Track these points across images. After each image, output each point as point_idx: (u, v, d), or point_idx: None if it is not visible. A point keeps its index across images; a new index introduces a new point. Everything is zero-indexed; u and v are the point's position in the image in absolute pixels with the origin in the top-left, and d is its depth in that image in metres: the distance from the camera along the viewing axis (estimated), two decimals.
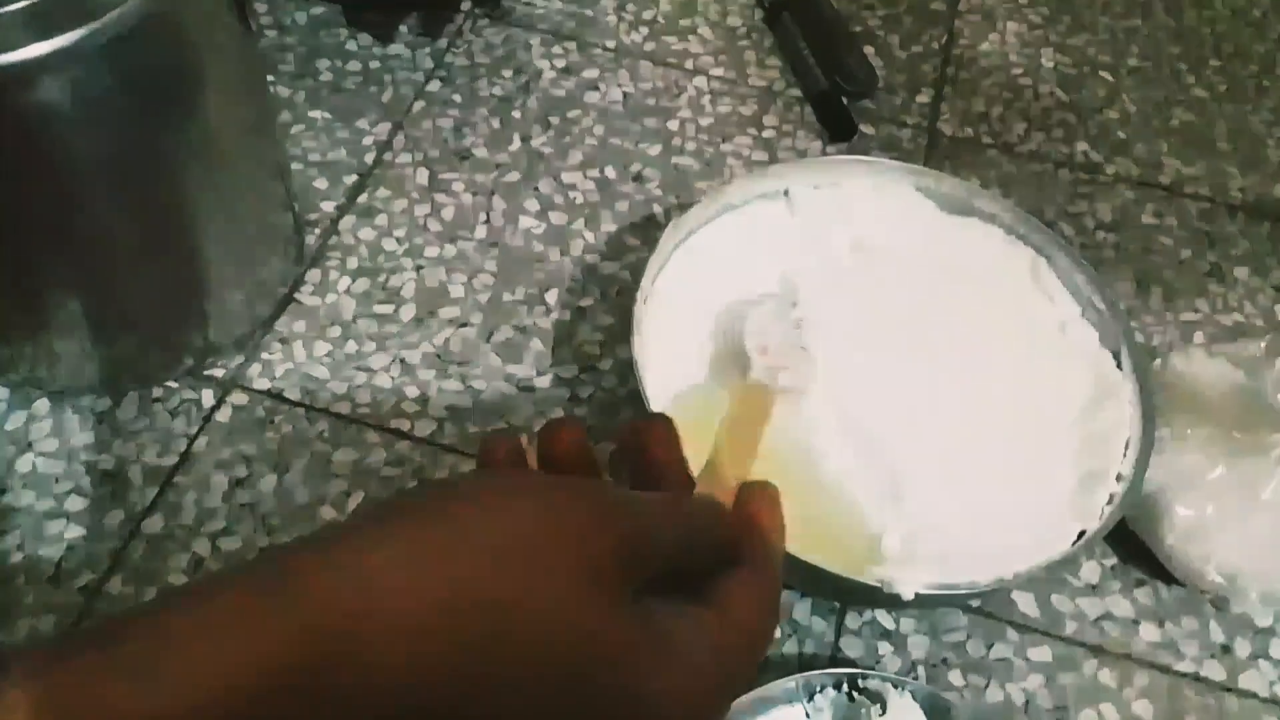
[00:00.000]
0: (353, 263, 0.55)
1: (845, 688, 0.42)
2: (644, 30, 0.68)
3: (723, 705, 0.26)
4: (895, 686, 0.41)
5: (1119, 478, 0.45)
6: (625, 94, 0.64)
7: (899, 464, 0.45)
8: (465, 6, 0.67)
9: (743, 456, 0.35)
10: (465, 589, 0.22)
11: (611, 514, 0.25)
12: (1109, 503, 0.44)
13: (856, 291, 0.50)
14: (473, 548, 0.23)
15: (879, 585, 0.40)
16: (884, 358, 0.47)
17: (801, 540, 0.40)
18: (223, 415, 0.49)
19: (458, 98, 0.63)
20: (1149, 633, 0.47)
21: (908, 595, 0.40)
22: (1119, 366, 0.49)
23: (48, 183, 0.38)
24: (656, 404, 0.44)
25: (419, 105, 0.62)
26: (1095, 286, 0.50)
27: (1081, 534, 0.43)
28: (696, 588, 0.27)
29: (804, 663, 0.44)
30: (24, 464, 0.47)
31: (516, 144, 0.61)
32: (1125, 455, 0.46)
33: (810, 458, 0.44)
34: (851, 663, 0.45)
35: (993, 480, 0.45)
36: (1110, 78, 0.69)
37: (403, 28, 0.66)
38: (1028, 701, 0.44)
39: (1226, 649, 0.46)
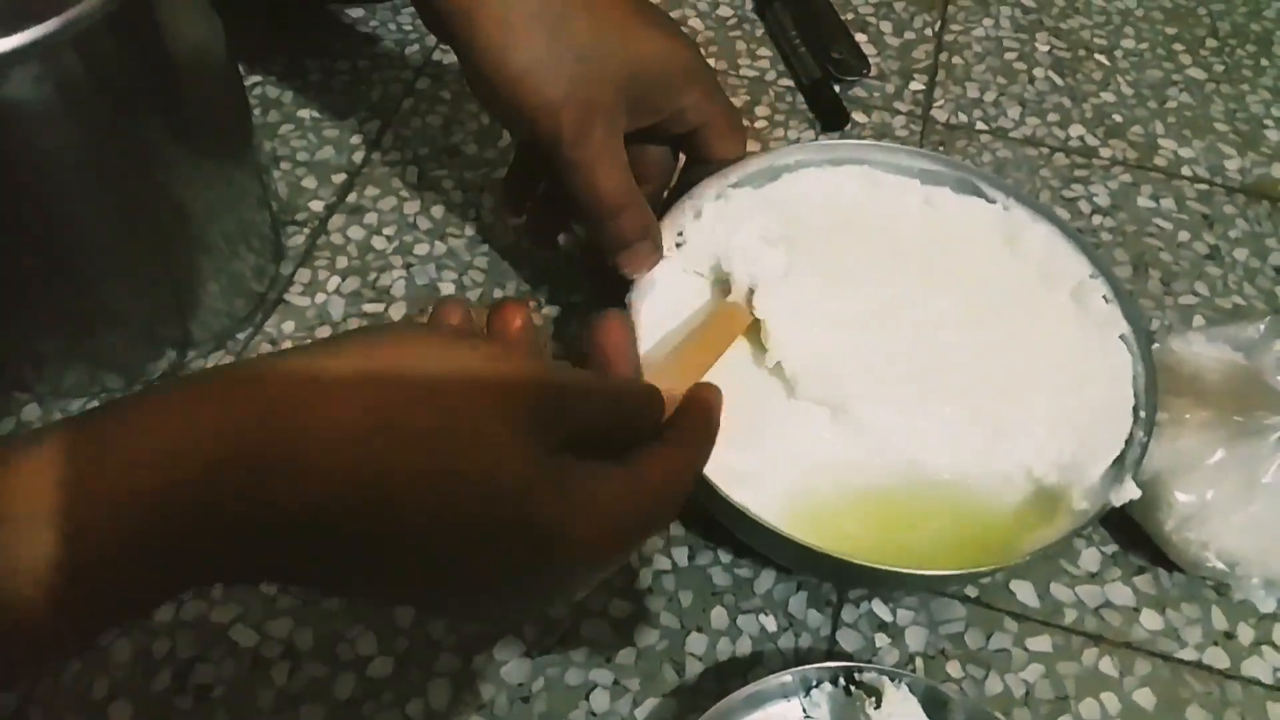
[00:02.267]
0: (342, 262, 0.55)
1: (842, 681, 0.41)
2: None
3: (619, 554, 0.30)
4: (892, 679, 0.40)
5: (1126, 447, 0.44)
6: None
7: (905, 444, 0.44)
8: None
9: (700, 366, 0.39)
10: (399, 412, 0.25)
11: (537, 375, 0.28)
12: (1115, 476, 0.44)
13: (855, 270, 0.49)
14: (413, 377, 0.26)
15: (875, 566, 0.40)
16: (883, 333, 0.47)
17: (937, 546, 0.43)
18: None
19: (446, 95, 0.63)
20: (1150, 620, 0.46)
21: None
22: (1122, 340, 0.48)
23: (19, 178, 0.38)
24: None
25: (408, 103, 0.62)
26: (1098, 267, 0.49)
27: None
28: (621, 455, 0.30)
29: (800, 657, 0.44)
30: None
31: (506, 139, 0.61)
32: (1130, 431, 0.45)
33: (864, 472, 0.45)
34: (848, 656, 0.44)
35: (994, 452, 0.45)
36: (1105, 60, 0.68)
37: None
38: (1027, 692, 0.44)
39: (1229, 636, 0.46)
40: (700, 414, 0.35)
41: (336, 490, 0.24)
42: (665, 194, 0.51)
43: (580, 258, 0.55)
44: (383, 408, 0.25)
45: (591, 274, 0.54)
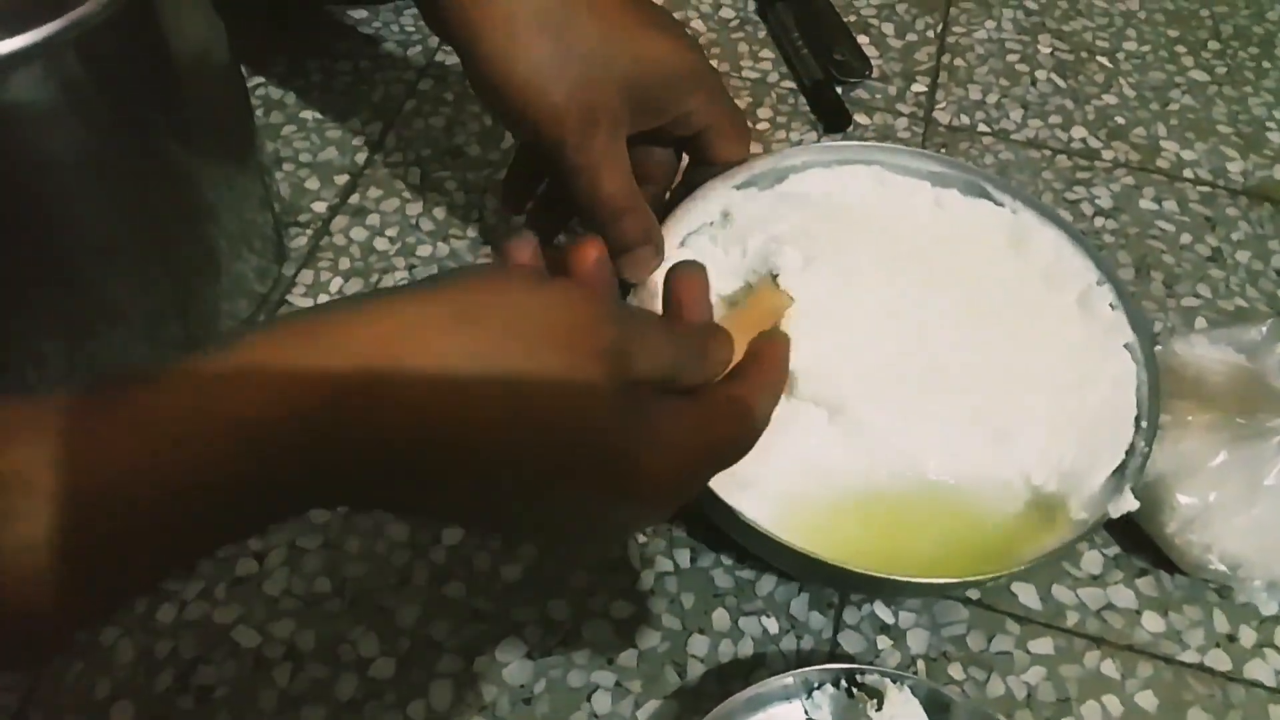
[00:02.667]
0: (345, 263, 0.55)
1: (844, 684, 0.41)
2: None
3: (687, 486, 0.31)
4: (894, 681, 0.40)
5: (1127, 456, 0.44)
6: None
7: (905, 448, 0.44)
8: None
9: (756, 328, 0.39)
10: (493, 352, 0.27)
11: (612, 315, 0.30)
12: (1115, 485, 0.44)
13: (859, 270, 0.49)
14: (503, 320, 0.28)
15: (876, 575, 0.40)
16: (885, 335, 0.47)
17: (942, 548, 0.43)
18: None
19: (449, 96, 0.63)
20: (1152, 623, 0.46)
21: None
22: (1126, 348, 0.48)
23: (21, 179, 0.38)
24: None
25: (410, 104, 0.62)
26: (1102, 269, 0.49)
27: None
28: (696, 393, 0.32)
29: (802, 659, 0.44)
30: None
31: (508, 141, 0.61)
32: (1134, 434, 0.45)
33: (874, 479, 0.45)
34: (850, 658, 0.44)
35: (995, 458, 0.44)
36: (1108, 63, 0.68)
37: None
38: (1029, 694, 0.44)
39: (1231, 638, 0.46)
40: (770, 354, 0.36)
41: (438, 423, 0.26)
42: (668, 194, 0.51)
43: None
44: (479, 349, 0.27)
45: None
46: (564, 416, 0.28)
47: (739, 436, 0.33)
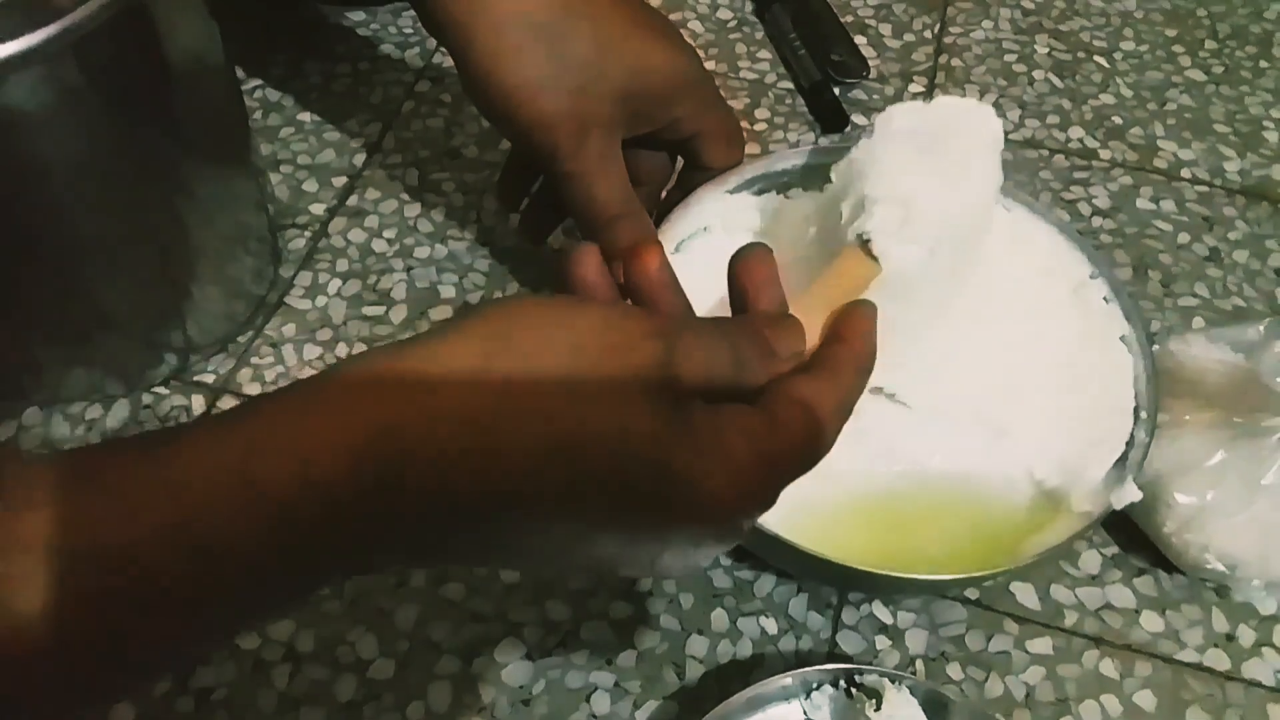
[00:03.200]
0: (343, 265, 0.55)
1: (842, 684, 0.41)
2: None
3: (758, 503, 0.28)
4: (893, 681, 0.41)
5: (1127, 448, 0.44)
6: None
7: (906, 446, 0.45)
8: None
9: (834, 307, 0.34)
10: (521, 396, 0.25)
11: (655, 329, 0.27)
12: (1116, 477, 0.44)
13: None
14: (533, 357, 0.26)
15: (876, 572, 0.40)
16: (885, 335, 0.47)
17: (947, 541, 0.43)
18: None
19: (447, 97, 0.63)
20: (1150, 622, 0.46)
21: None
22: (1123, 341, 0.48)
23: (17, 183, 0.38)
24: None
25: (409, 106, 0.62)
26: (1097, 268, 0.49)
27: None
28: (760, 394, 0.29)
29: (801, 659, 0.44)
30: None
31: (507, 143, 0.61)
32: (1131, 433, 0.45)
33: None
34: (849, 658, 0.44)
35: (995, 454, 0.45)
36: (1105, 63, 0.68)
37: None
38: (1028, 694, 0.44)
39: (1230, 637, 0.46)
40: (849, 335, 0.32)
41: (468, 474, 0.25)
42: (663, 195, 0.51)
43: None
44: (508, 392, 0.25)
45: None
46: (606, 446, 0.25)
47: (807, 441, 0.29)
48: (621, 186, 0.44)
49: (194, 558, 0.23)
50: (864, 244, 0.38)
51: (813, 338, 0.31)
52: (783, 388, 0.29)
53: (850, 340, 0.31)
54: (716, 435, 0.27)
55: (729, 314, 0.42)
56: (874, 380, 0.44)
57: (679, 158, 0.51)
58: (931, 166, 0.40)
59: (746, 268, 0.32)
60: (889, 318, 0.34)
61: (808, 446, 0.29)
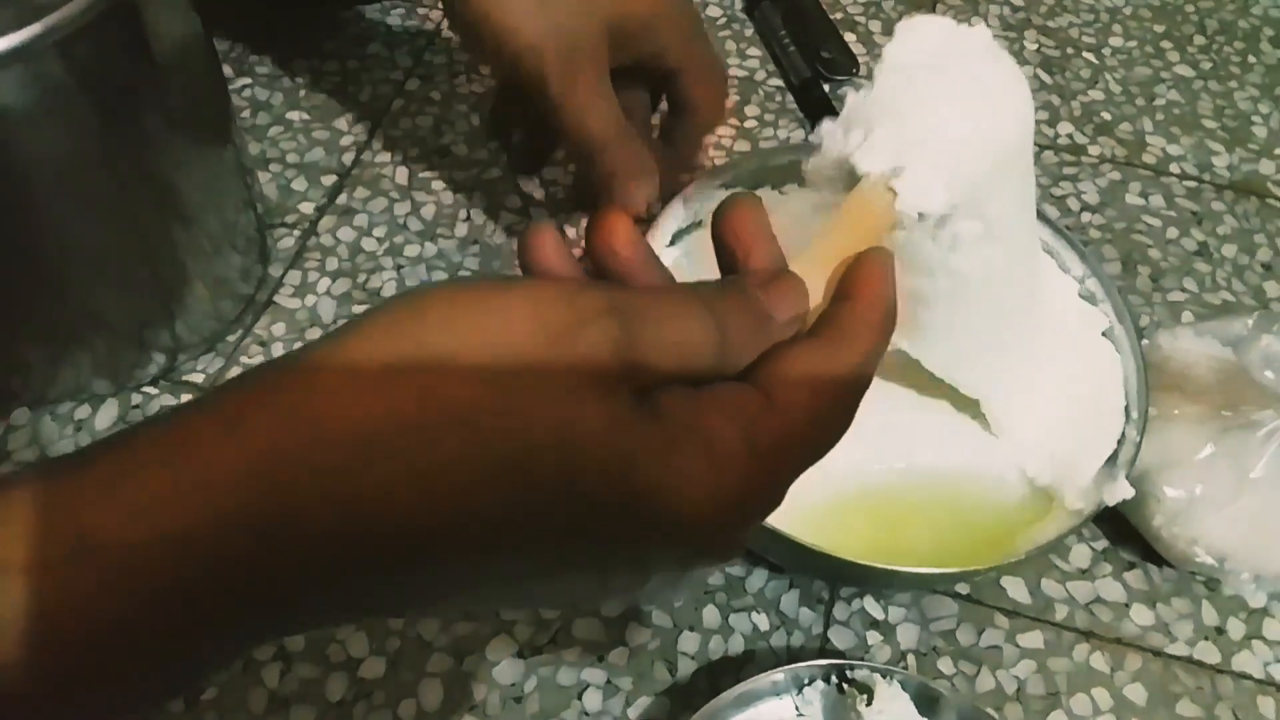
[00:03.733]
0: (332, 264, 0.55)
1: (834, 679, 0.41)
2: None
3: (755, 507, 0.23)
4: (884, 676, 0.41)
5: (1119, 446, 0.45)
6: None
7: (898, 443, 0.45)
8: None
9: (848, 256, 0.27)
10: (434, 402, 0.20)
11: (607, 310, 0.21)
12: (1108, 474, 0.44)
13: None
14: (442, 356, 0.20)
15: (868, 565, 0.40)
16: None
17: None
18: None
19: (436, 95, 0.63)
20: (1140, 616, 0.46)
21: None
22: (1112, 339, 0.48)
23: (1, 184, 0.38)
24: None
25: (398, 104, 0.62)
26: (1086, 263, 0.49)
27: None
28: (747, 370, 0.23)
29: (792, 654, 0.44)
30: (4, 473, 0.47)
31: (493, 140, 0.61)
32: (1122, 430, 0.45)
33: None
34: (840, 654, 0.44)
35: (987, 451, 0.45)
36: (1093, 58, 0.69)
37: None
38: (1019, 688, 0.44)
39: (1219, 630, 0.46)
40: (862, 290, 0.25)
41: (374, 508, 0.20)
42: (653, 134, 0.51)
43: (572, 195, 0.56)
44: (420, 399, 0.20)
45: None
46: (549, 455, 0.20)
47: (815, 425, 0.23)
48: (613, 111, 0.43)
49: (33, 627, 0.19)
50: (876, 182, 0.30)
51: (816, 298, 0.26)
52: (782, 360, 0.23)
53: (863, 296, 0.25)
54: (694, 426, 0.21)
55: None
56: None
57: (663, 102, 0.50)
58: (953, 93, 0.33)
59: (733, 221, 0.26)
60: (907, 289, 0.28)
61: (816, 432, 0.23)
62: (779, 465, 0.22)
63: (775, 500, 0.23)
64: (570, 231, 0.57)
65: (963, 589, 0.46)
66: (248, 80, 0.62)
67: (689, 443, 0.21)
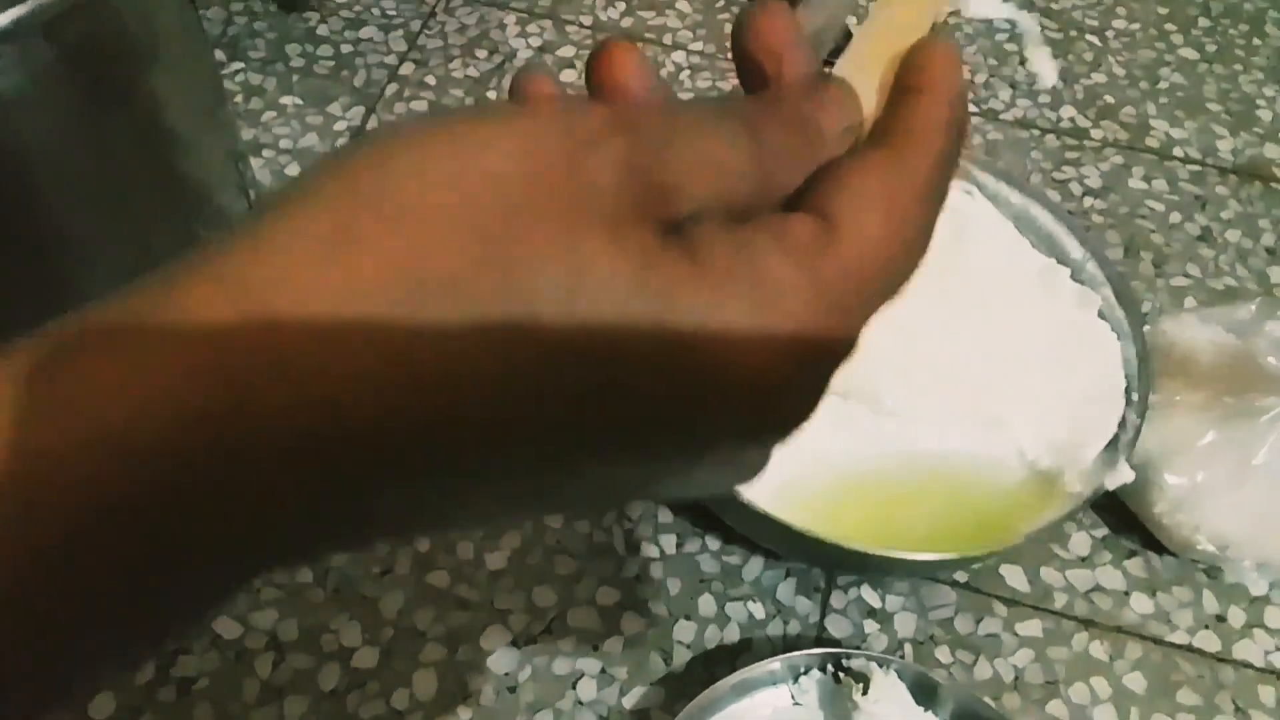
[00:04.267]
0: None
1: (830, 668, 0.41)
2: (620, 6, 0.67)
3: (834, 352, 0.19)
4: (881, 665, 0.40)
5: (1119, 430, 0.44)
6: None
7: (898, 429, 0.44)
8: None
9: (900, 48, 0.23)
10: (406, 267, 0.16)
11: (619, 127, 0.18)
12: (1109, 459, 0.43)
13: None
14: (414, 210, 0.17)
15: (867, 551, 0.39)
16: (875, 322, 0.46)
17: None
18: None
19: (431, 80, 0.62)
20: (1141, 604, 0.46)
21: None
22: (1108, 322, 0.48)
23: None
24: None
25: (392, 89, 0.61)
26: (1087, 248, 0.49)
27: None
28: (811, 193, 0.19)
29: (789, 644, 0.44)
30: None
31: None
32: (1125, 408, 0.45)
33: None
34: (837, 642, 0.44)
35: (987, 436, 0.44)
36: (1097, 41, 0.68)
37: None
38: (1017, 677, 0.44)
39: (1220, 619, 0.46)
40: (929, 82, 0.21)
41: (355, 388, 0.16)
42: None
43: None
44: (388, 268, 0.16)
45: None
46: (559, 311, 0.16)
47: (889, 250, 0.19)
48: None
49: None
50: None
51: (868, 106, 0.21)
52: (842, 178, 0.19)
53: (930, 89, 0.21)
54: (742, 260, 0.17)
55: None
56: (865, 365, 0.44)
57: None
58: None
59: (760, 29, 0.20)
60: None
61: (892, 259, 0.19)
62: (850, 303, 0.18)
63: (847, 348, 0.19)
64: None
65: (961, 577, 0.46)
66: (240, 65, 0.62)
67: (737, 280, 0.17)
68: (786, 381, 0.18)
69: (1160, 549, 0.47)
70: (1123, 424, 0.45)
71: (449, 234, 0.17)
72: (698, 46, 0.65)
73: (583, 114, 0.17)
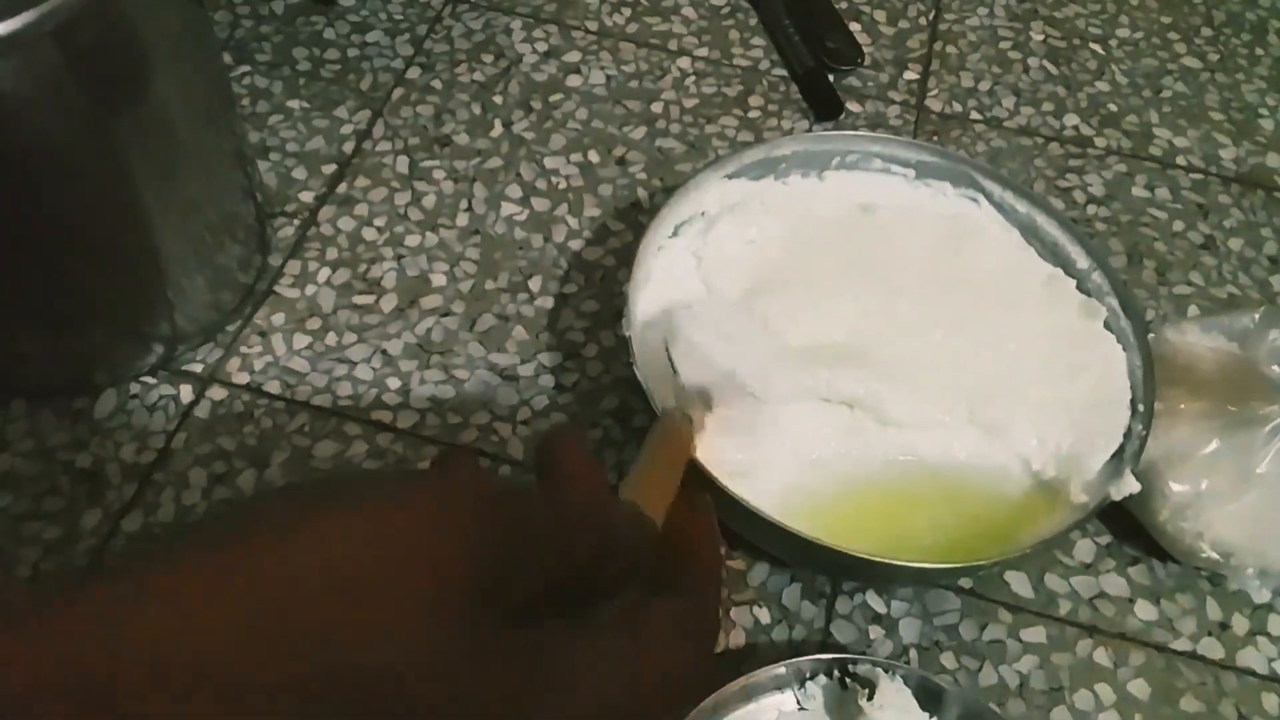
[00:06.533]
0: (332, 253, 0.54)
1: (836, 674, 0.41)
2: (626, 11, 0.67)
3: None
4: (886, 671, 0.40)
5: (1125, 440, 0.44)
6: (608, 76, 0.63)
7: (903, 438, 0.45)
8: None
9: (668, 482, 0.32)
10: (267, 621, 0.18)
11: (471, 525, 0.21)
12: (1114, 469, 0.43)
13: (849, 270, 0.49)
14: (283, 573, 0.18)
15: (873, 559, 0.39)
16: (879, 331, 0.47)
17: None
18: (201, 411, 0.49)
19: (437, 84, 0.62)
20: (1144, 611, 0.46)
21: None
22: (1112, 331, 0.48)
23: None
24: (654, 381, 0.43)
25: (398, 93, 0.62)
26: (1093, 257, 0.49)
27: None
28: (613, 615, 0.24)
29: (794, 649, 0.44)
30: (2, 464, 0.46)
31: (498, 130, 0.60)
32: (1130, 418, 0.45)
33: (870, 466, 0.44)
34: (842, 648, 0.44)
35: (992, 445, 0.45)
36: (1100, 50, 0.68)
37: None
38: (1022, 683, 0.44)
39: (1224, 626, 0.46)
40: (699, 539, 0.28)
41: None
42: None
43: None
44: (241, 642, 0.18)
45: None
46: (416, 688, 0.19)
47: (692, 668, 0.24)
48: None
49: None
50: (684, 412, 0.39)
51: (655, 514, 0.28)
52: (648, 608, 0.24)
53: (696, 551, 0.28)
54: (571, 658, 0.21)
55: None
56: (870, 374, 0.44)
57: None
58: None
59: (559, 446, 0.27)
60: None
61: (682, 682, 0.24)
62: (649, 706, 0.23)
63: None
64: (574, 221, 0.56)
65: (965, 584, 0.46)
66: (248, 68, 0.62)
67: (568, 681, 0.21)
68: None
69: (1164, 556, 0.47)
70: (1128, 434, 0.45)
71: (294, 604, 0.18)
72: (702, 52, 0.65)
73: (445, 507, 0.21)
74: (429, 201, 0.57)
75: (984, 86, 0.65)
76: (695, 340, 0.40)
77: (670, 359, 0.40)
